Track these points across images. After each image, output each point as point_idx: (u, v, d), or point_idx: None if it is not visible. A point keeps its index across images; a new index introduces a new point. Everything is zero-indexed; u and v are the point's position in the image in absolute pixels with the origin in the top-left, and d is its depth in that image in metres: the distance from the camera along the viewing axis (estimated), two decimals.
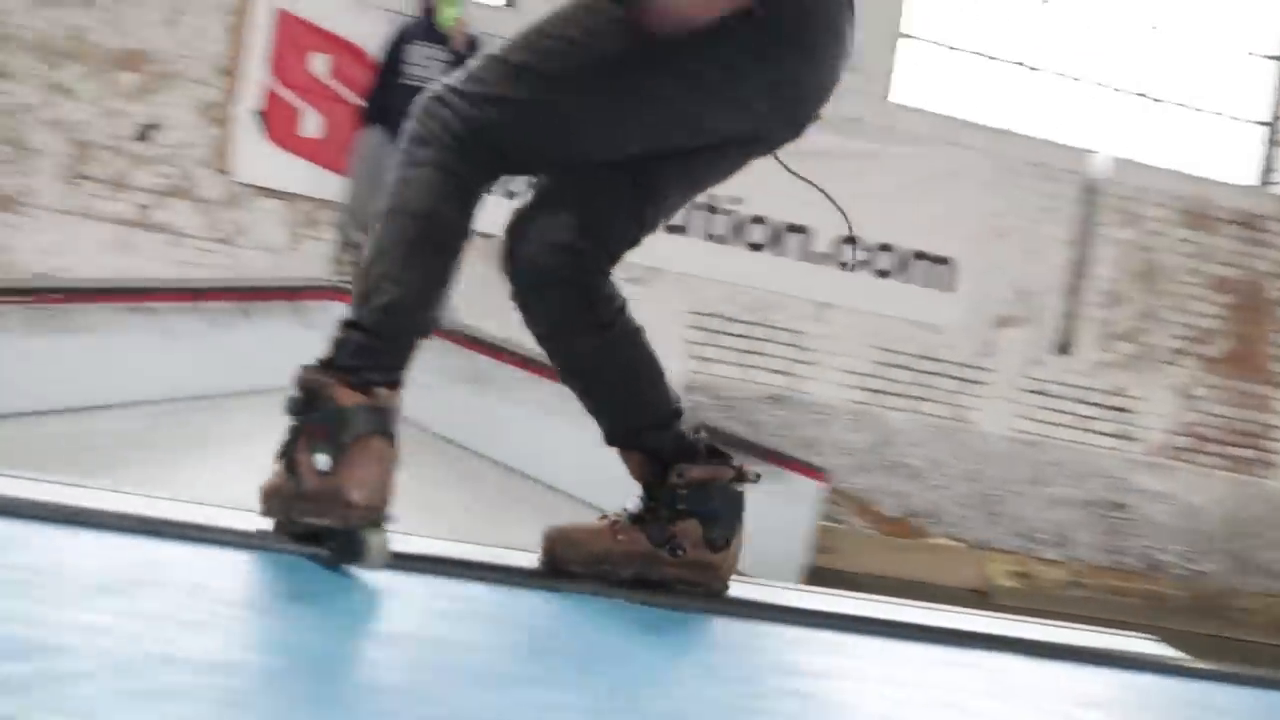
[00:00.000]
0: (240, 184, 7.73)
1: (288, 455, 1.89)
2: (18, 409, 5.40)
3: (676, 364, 8.07)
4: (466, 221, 1.96)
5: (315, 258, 7.66)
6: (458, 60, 7.36)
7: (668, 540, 2.04)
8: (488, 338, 6.21)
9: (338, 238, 7.55)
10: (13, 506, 1.81)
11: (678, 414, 2.09)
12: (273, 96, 7.68)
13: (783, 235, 8.29)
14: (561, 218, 1.98)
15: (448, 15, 7.37)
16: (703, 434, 2.11)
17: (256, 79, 7.67)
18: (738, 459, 2.10)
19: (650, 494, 2.08)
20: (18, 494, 1.85)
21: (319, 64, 7.69)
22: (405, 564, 1.89)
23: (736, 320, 8.41)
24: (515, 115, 1.95)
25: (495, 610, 1.91)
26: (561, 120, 1.95)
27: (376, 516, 1.84)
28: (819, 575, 5.95)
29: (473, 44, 7.42)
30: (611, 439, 2.12)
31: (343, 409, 1.85)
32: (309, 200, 7.76)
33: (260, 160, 7.69)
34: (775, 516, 5.56)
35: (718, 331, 8.40)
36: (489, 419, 5.93)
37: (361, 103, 7.46)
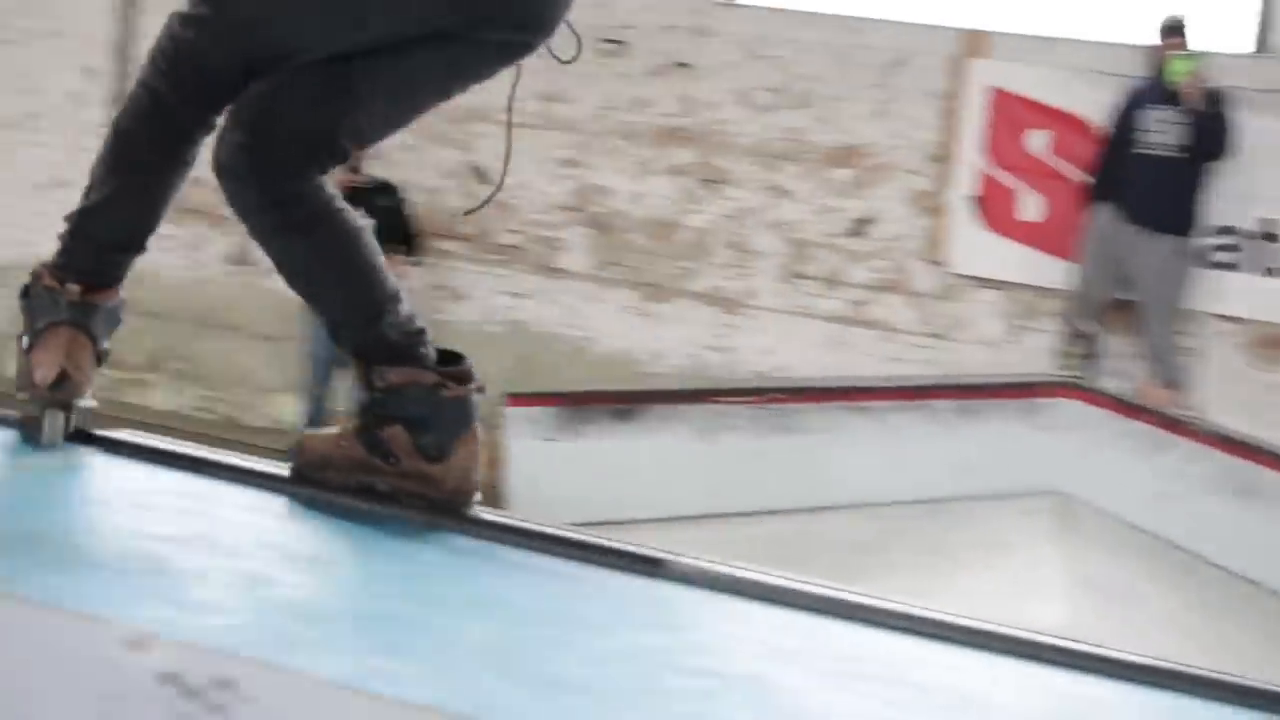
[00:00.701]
0: (955, 275, 7.35)
1: (19, 336, 2.08)
2: (745, 507, 5.51)
3: None
4: (171, 148, 2.04)
5: (1035, 351, 7.06)
6: (1194, 121, 6.52)
7: (379, 447, 2.01)
8: (1250, 439, 5.35)
9: (1063, 328, 6.95)
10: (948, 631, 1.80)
11: (380, 312, 2.03)
12: (988, 180, 7.24)
13: None
14: (240, 117, 2.00)
15: (1177, 69, 6.54)
16: (423, 336, 2.06)
17: (970, 163, 7.27)
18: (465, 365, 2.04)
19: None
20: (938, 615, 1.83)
21: (1038, 141, 7.13)
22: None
23: None
24: (206, 32, 1.98)
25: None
26: (238, 30, 1.98)
27: (56, 398, 2.02)
28: None
29: (1213, 99, 6.53)
30: (334, 342, 2.12)
31: (38, 295, 2.06)
32: (1029, 289, 7.20)
33: (976, 249, 7.25)
34: None
35: None
36: (1263, 539, 5.01)
37: (1088, 178, 6.86)
